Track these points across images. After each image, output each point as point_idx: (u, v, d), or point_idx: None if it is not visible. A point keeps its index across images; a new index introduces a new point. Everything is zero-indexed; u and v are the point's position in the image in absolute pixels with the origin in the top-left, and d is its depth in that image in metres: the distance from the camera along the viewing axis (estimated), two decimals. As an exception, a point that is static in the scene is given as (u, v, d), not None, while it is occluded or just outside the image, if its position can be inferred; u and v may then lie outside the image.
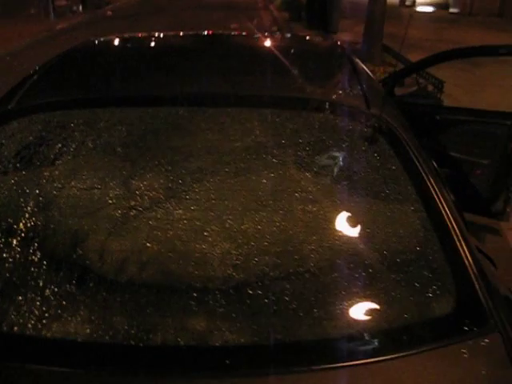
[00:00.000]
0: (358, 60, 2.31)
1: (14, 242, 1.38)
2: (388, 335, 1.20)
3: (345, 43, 2.77)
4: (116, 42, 2.50)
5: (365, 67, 2.29)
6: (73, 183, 1.51)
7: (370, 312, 1.26)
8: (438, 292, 1.29)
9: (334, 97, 1.80)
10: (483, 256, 1.67)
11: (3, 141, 1.62)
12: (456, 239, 1.37)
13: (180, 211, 1.44)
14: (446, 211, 1.43)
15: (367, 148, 1.64)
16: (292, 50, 2.23)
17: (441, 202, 1.46)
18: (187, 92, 1.73)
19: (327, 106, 1.71)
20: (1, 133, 1.65)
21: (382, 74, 6.90)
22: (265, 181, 1.51)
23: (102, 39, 2.46)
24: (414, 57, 7.89)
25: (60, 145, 1.61)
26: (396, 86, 3.80)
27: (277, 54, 2.17)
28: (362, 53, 8.00)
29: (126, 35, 2.66)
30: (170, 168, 1.54)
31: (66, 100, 1.75)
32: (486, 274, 1.34)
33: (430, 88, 6.58)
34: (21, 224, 1.42)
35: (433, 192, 1.48)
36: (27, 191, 1.50)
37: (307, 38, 2.51)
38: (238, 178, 1.52)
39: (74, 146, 1.60)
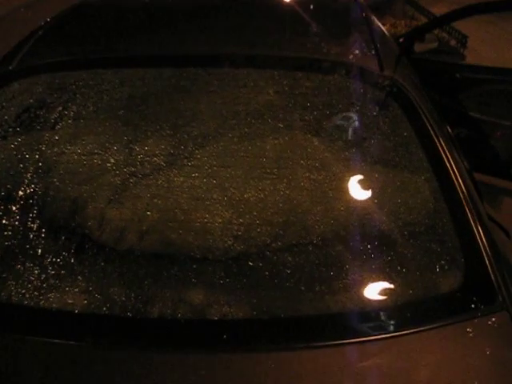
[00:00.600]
0: (373, 17, 2.20)
1: (12, 208, 1.35)
2: (392, 312, 1.17)
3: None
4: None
5: (380, 25, 2.18)
6: (72, 148, 1.47)
7: (374, 287, 1.22)
8: (445, 267, 1.25)
9: (344, 57, 1.71)
10: (497, 226, 1.61)
11: (3, 103, 1.58)
12: (467, 211, 1.31)
13: (181, 178, 1.39)
14: (458, 181, 1.37)
15: (378, 112, 1.57)
16: (302, 6, 2.12)
17: (453, 172, 1.39)
18: (190, 52, 1.66)
19: (337, 67, 1.63)
20: (1, 95, 1.60)
21: (403, 27, 6.65)
22: (270, 147, 1.46)
23: None
24: (438, 10, 7.58)
25: (60, 108, 1.56)
26: (416, 42, 3.65)
27: (286, 11, 2.07)
28: (382, 5, 7.70)
29: None
30: (171, 133, 1.49)
31: (67, 60, 1.69)
32: (498, 248, 1.28)
33: (453, 43, 6.35)
34: (19, 190, 1.39)
35: (445, 161, 1.41)
36: (26, 156, 1.46)
37: None
38: (242, 143, 1.47)
39: (74, 109, 1.56)
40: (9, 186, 1.41)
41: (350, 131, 1.52)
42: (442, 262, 1.25)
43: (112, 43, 1.77)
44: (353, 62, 1.67)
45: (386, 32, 2.15)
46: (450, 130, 1.70)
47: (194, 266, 1.25)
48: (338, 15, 2.12)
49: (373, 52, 1.75)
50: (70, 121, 1.54)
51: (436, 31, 4.25)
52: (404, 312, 1.17)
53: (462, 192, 1.35)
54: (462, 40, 6.26)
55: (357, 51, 1.77)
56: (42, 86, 1.61)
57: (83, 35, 1.87)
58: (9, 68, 1.69)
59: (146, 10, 2.09)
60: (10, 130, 1.53)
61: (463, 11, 3.29)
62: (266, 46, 1.73)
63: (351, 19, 2.09)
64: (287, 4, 2.22)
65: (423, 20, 7.43)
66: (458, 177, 1.38)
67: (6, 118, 1.55)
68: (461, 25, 5.95)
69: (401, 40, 3.49)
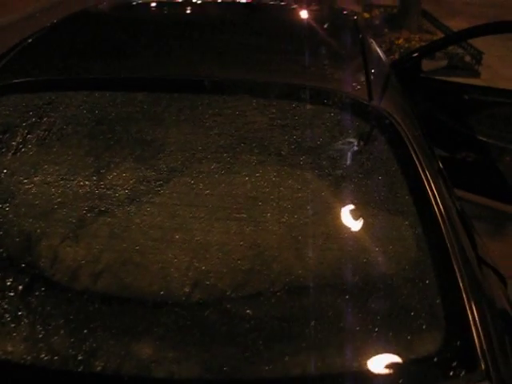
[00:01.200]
0: (370, 38, 2.09)
1: None
2: (360, 378, 1.05)
3: (357, 14, 2.53)
4: (112, 11, 2.32)
5: (377, 47, 2.07)
6: (31, 178, 1.38)
7: (340, 349, 1.10)
8: (423, 326, 1.13)
9: (331, 84, 1.60)
10: (492, 271, 1.48)
11: None
12: (454, 262, 1.19)
13: (142, 217, 1.29)
14: (446, 228, 1.25)
15: (363, 147, 1.45)
16: (293, 27, 2.02)
17: (441, 217, 1.27)
18: (164, 76, 1.56)
19: (321, 95, 1.52)
20: None
21: (417, 42, 6.51)
22: (240, 185, 1.35)
23: (101, 7, 2.28)
24: (456, 24, 7.43)
25: (23, 132, 1.47)
26: (426, 60, 3.51)
27: (273, 31, 1.97)
28: (397, 18, 7.57)
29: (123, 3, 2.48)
30: (136, 165, 1.39)
31: (36, 80, 1.60)
32: (487, 305, 1.16)
33: (468, 59, 6.18)
34: None
35: (433, 204, 1.29)
36: None
37: (311, 8, 2.26)
38: (209, 180, 1.36)
39: (37, 134, 1.46)
40: None
41: (330, 168, 1.40)
42: (420, 321, 1.13)
43: (86, 63, 1.68)
44: (340, 90, 1.56)
45: (382, 56, 2.03)
46: (441, 165, 1.58)
47: (146, 315, 1.14)
48: (331, 36, 2.01)
49: (363, 79, 1.63)
50: (31, 147, 1.44)
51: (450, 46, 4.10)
52: (374, 378, 1.05)
53: (450, 240, 1.23)
54: (477, 56, 6.10)
55: (346, 78, 1.66)
56: (8, 108, 1.53)
57: (58, 53, 1.79)
58: None
59: (125, 29, 2.00)
60: None
61: (481, 29, 3.15)
62: (247, 70, 1.63)
63: (345, 41, 1.98)
64: (275, 24, 2.12)
65: (439, 35, 7.28)
66: (447, 223, 1.26)
67: None
68: (477, 40, 5.82)
69: (414, 55, 3.36)
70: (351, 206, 1.34)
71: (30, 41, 1.90)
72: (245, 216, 1.28)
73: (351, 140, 1.47)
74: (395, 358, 1.08)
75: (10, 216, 1.31)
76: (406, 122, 1.51)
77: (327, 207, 1.33)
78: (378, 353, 1.09)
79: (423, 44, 5.92)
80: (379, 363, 1.07)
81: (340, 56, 1.82)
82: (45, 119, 1.49)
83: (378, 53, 2.01)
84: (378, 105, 1.51)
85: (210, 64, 1.64)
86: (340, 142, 1.46)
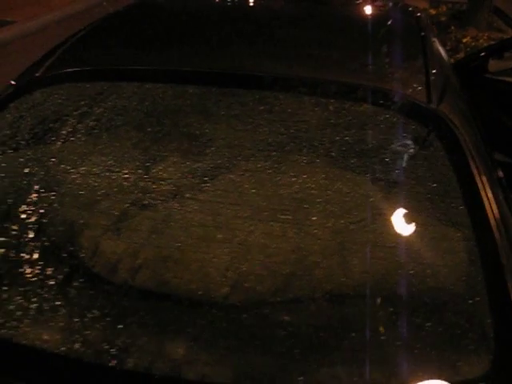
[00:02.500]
0: (434, 36, 1.99)
1: (6, 225, 1.28)
2: None
3: (421, 11, 2.42)
4: (170, 3, 2.32)
5: (440, 46, 1.97)
6: (77, 168, 1.39)
7: (381, 365, 1.05)
8: (471, 347, 1.06)
9: (387, 84, 1.53)
10: None
11: (22, 113, 1.52)
12: (509, 280, 1.11)
13: (184, 213, 1.27)
14: (502, 242, 1.16)
15: (417, 152, 1.38)
16: (351, 22, 1.94)
17: (498, 230, 1.19)
18: (216, 69, 1.53)
19: (376, 95, 1.45)
20: (21, 103, 1.55)
21: (485, 40, 6.22)
22: (286, 185, 1.31)
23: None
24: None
25: (73, 122, 1.49)
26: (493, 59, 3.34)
27: (329, 26, 1.90)
28: (465, 15, 7.25)
29: None
30: (182, 160, 1.38)
31: (89, 70, 1.61)
32: None
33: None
34: (18, 207, 1.32)
35: (490, 217, 1.21)
36: (31, 171, 1.39)
37: (375, 4, 2.18)
38: (255, 178, 1.33)
39: (86, 124, 1.47)
40: (9, 201, 1.34)
41: (382, 172, 1.34)
42: (468, 341, 1.06)
43: (140, 54, 1.68)
44: (397, 91, 1.48)
45: (444, 55, 1.93)
46: (501, 173, 1.48)
47: (182, 314, 1.12)
48: (392, 34, 1.93)
49: (422, 80, 1.55)
50: (80, 137, 1.46)
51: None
52: None
53: (506, 256, 1.15)
54: (550, 57, 5.75)
55: (405, 78, 1.58)
56: (61, 97, 1.55)
57: (113, 44, 1.79)
58: (34, 75, 1.64)
59: (182, 21, 1.98)
60: (23, 141, 1.47)
61: None
62: (302, 67, 1.57)
63: (406, 40, 1.89)
64: (335, 19, 2.05)
65: (511, 33, 6.93)
66: (503, 237, 1.18)
67: (21, 128, 1.49)
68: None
69: (481, 54, 3.19)
70: (401, 214, 1.28)
71: (86, 31, 1.92)
72: (290, 218, 1.24)
73: (406, 143, 1.40)
74: (437, 377, 1.02)
75: (55, 205, 1.33)
76: (465, 127, 1.43)
77: (376, 213, 1.27)
78: (420, 371, 1.03)
79: (491, 43, 5.65)
80: (420, 382, 1.01)
81: (400, 55, 1.74)
82: (95, 109, 1.50)
83: (440, 52, 1.91)
84: (436, 108, 1.43)
85: (265, 59, 1.60)
86: (394, 145, 1.40)
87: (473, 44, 6.15)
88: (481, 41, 6.28)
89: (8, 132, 1.48)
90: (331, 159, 1.35)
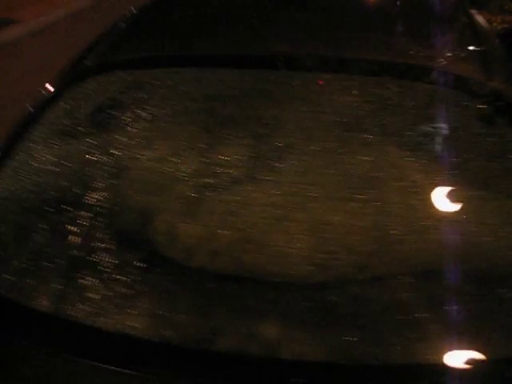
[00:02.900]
0: (478, 14, 1.97)
1: (77, 215, 1.27)
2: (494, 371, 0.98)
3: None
4: None
5: (486, 24, 1.95)
6: (144, 153, 1.38)
7: (473, 338, 1.04)
8: None
9: (443, 63, 1.51)
10: None
11: (76, 101, 1.51)
12: None
13: (259, 194, 1.26)
14: None
15: (483, 130, 1.36)
16: (396, 3, 1.92)
17: None
18: (276, 52, 1.52)
19: (435, 75, 1.43)
20: (75, 92, 1.53)
21: (498, 23, 6.17)
22: (359, 164, 1.30)
23: None
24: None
25: (134, 108, 1.47)
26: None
27: (377, 8, 1.88)
28: (478, 0, 7.18)
29: None
30: (250, 142, 1.37)
31: (144, 57, 1.60)
32: None
33: None
34: (86, 195, 1.31)
35: None
36: (95, 159, 1.38)
37: None
38: (328, 158, 1.31)
39: (148, 110, 1.46)
40: (76, 190, 1.33)
41: (450, 151, 1.33)
42: None
43: (193, 40, 1.66)
44: (454, 69, 1.47)
45: (493, 32, 1.92)
46: None
47: (268, 295, 1.12)
48: (436, 11, 1.90)
49: (478, 57, 1.54)
50: (143, 123, 1.44)
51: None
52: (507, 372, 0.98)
53: None
54: None
55: (459, 56, 1.57)
56: (117, 84, 1.53)
57: (164, 31, 1.78)
58: (86, 64, 1.63)
59: (230, 5, 1.96)
60: (82, 129, 1.46)
61: None
62: (361, 49, 1.56)
63: (452, 17, 1.87)
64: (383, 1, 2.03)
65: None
66: None
67: (78, 116, 1.48)
68: None
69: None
70: (475, 191, 1.27)
71: (130, 19, 1.90)
72: (366, 196, 1.23)
73: (471, 122, 1.38)
74: None
75: (126, 191, 1.32)
76: None
77: (451, 190, 1.26)
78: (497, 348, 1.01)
79: (505, 26, 5.59)
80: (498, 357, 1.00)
81: (451, 36, 1.72)
82: (154, 95, 1.48)
83: (488, 29, 1.90)
84: (496, 84, 1.42)
85: (327, 42, 1.58)
86: (460, 123, 1.38)
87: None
88: (494, 24, 6.22)
89: (67, 121, 1.47)
90: (401, 138, 1.34)
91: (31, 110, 1.50)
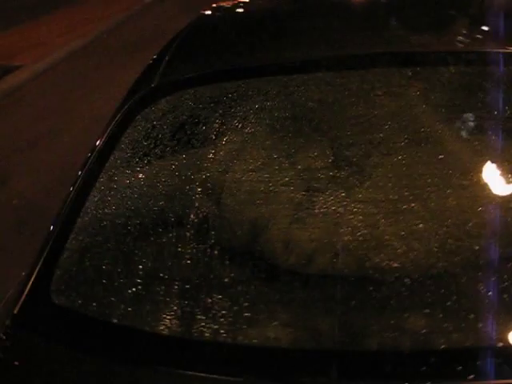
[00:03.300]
0: None
1: (187, 235, 1.25)
2: None
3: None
4: (241, 7, 2.30)
5: None
6: (238, 165, 1.36)
7: None
8: None
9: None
10: None
11: (155, 122, 1.49)
12: None
13: (364, 192, 1.24)
14: None
15: None
16: None
17: None
18: (348, 53, 1.51)
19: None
20: (150, 113, 1.52)
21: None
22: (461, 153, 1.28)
23: (226, 5, 2.27)
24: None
25: (217, 122, 1.46)
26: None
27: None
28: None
29: None
30: (341, 142, 1.35)
31: (215, 72, 1.59)
32: None
33: None
34: (190, 214, 1.28)
35: None
36: (190, 177, 1.36)
37: None
38: (428, 148, 1.30)
39: (231, 122, 1.44)
40: (177, 211, 1.31)
41: None
42: None
43: (255, 50, 1.66)
44: None
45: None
46: None
47: (402, 288, 1.08)
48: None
49: None
50: (230, 135, 1.43)
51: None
52: None
53: None
54: None
55: None
56: (192, 101, 1.52)
57: (221, 44, 1.78)
58: (151, 85, 1.61)
59: (284, 10, 1.97)
60: (168, 149, 1.43)
61: None
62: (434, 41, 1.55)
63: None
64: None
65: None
66: None
67: (160, 136, 1.46)
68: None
69: None
70: None
71: (182, 38, 1.90)
72: (475, 181, 1.22)
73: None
74: None
75: (231, 204, 1.29)
76: None
77: None
78: None
79: None
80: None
81: None
82: (234, 107, 1.46)
83: None
84: None
85: (389, 38, 1.58)
86: None
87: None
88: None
89: (151, 143, 1.45)
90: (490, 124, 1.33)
91: (108, 136, 1.48)
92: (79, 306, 1.19)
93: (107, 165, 1.42)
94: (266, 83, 1.50)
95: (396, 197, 1.22)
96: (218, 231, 1.25)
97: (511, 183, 1.22)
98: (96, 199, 1.36)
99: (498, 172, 1.25)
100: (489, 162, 1.27)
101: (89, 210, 1.33)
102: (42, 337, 1.13)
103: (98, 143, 1.49)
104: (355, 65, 1.48)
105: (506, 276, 1.08)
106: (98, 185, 1.38)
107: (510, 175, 1.24)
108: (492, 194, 1.22)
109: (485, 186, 1.23)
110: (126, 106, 1.55)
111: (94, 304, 1.18)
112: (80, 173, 1.42)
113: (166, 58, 1.75)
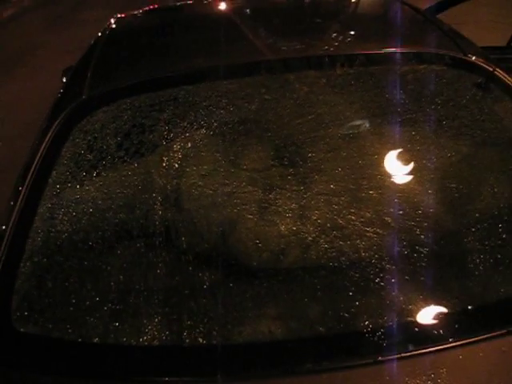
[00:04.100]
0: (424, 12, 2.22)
1: (156, 244, 1.23)
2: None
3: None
4: (154, 14, 2.30)
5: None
6: (192, 169, 1.37)
7: None
8: None
9: (427, 47, 1.70)
10: None
11: (96, 134, 1.44)
12: None
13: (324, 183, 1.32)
14: None
15: (481, 97, 1.55)
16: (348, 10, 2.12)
17: None
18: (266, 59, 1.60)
19: (428, 58, 1.61)
20: (88, 126, 1.46)
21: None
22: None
23: (138, 13, 2.24)
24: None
25: (162, 129, 1.45)
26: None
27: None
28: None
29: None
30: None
31: (146, 81, 1.58)
32: None
33: None
34: (156, 223, 1.27)
35: None
36: (147, 185, 1.34)
37: None
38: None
39: (175, 128, 1.45)
40: (139, 220, 1.28)
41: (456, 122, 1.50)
42: None
43: (176, 58, 1.70)
44: (438, 50, 1.66)
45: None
46: None
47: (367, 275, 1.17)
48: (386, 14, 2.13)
49: (447, 39, 1.75)
50: (177, 141, 1.43)
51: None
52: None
53: None
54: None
55: (433, 41, 1.77)
56: (132, 110, 1.49)
57: (142, 52, 1.78)
58: (82, 97, 1.56)
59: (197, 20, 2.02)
60: (116, 159, 1.40)
61: None
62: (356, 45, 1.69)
63: (403, 14, 2.09)
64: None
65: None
66: None
67: (105, 148, 1.42)
68: None
69: None
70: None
71: (98, 52, 1.86)
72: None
73: (469, 92, 1.56)
74: None
75: (193, 212, 1.30)
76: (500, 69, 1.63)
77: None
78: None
79: None
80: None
81: (413, 27, 1.94)
82: (171, 114, 1.47)
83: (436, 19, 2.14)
84: (475, 58, 1.62)
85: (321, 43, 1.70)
86: (459, 97, 1.55)
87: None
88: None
89: (92, 155, 1.40)
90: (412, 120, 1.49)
91: (44, 152, 1.40)
92: (50, 330, 1.12)
93: (50, 181, 1.35)
94: (201, 89, 1.53)
95: (353, 186, 1.31)
96: (186, 236, 1.25)
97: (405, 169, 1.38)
98: (44, 218, 1.29)
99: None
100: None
101: (39, 231, 1.26)
102: (13, 367, 1.06)
103: (31, 161, 1.40)
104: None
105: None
106: (43, 203, 1.31)
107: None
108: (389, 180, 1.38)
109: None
110: (57, 121, 1.48)
111: (66, 326, 1.12)
112: (19, 192, 1.33)
113: (90, 70, 1.70)
